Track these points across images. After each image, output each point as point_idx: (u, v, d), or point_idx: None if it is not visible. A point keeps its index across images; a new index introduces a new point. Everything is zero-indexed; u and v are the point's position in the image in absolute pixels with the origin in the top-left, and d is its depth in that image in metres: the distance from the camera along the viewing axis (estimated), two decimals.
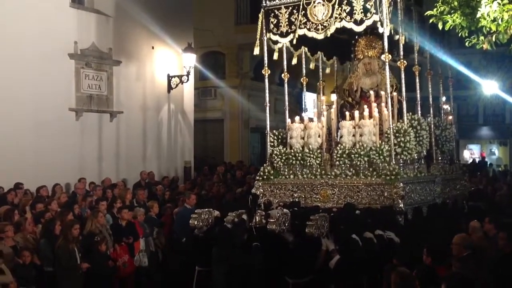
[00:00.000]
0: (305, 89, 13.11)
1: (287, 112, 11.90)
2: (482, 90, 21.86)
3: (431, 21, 9.29)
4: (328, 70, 13.55)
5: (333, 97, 20.34)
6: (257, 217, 8.83)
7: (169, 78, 17.58)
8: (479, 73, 21.18)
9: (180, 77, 17.50)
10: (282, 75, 11.89)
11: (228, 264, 8.42)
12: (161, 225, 11.74)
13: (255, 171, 16.92)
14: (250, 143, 24.85)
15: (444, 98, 13.61)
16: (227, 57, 24.44)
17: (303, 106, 13.57)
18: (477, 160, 28.00)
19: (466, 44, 8.85)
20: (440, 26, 9.01)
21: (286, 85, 11.96)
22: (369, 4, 10.17)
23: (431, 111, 12.21)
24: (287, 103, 12.01)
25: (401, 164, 10.41)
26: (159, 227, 11.56)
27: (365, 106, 11.16)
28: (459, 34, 8.95)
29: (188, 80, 17.61)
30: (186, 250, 10.55)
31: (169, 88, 17.60)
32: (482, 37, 8.30)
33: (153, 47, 17.19)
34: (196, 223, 9.23)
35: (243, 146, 24.31)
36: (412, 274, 5.94)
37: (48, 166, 13.43)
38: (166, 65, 17.55)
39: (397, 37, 10.73)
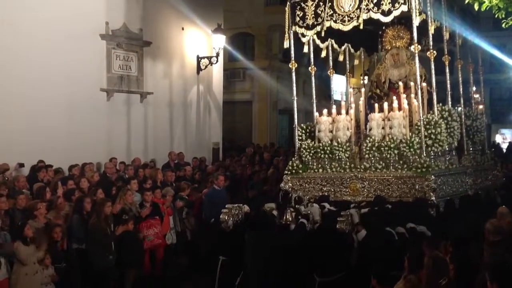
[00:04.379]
0: (332, 80, 12.92)
1: (314, 105, 11.76)
2: None
3: (466, 2, 9.11)
4: (356, 62, 13.38)
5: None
6: (287, 215, 8.75)
7: (199, 59, 17.64)
8: None
9: (209, 58, 17.55)
10: (309, 68, 11.76)
11: (266, 247, 8.10)
12: (191, 205, 11.88)
13: (284, 153, 16.96)
14: (279, 125, 24.83)
15: (474, 88, 13.29)
16: (256, 38, 24.39)
17: (331, 94, 13.30)
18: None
19: (503, 25, 8.67)
20: (476, 7, 8.83)
21: (313, 78, 11.82)
22: None
23: (462, 101, 11.98)
24: (314, 96, 11.85)
25: (432, 156, 10.21)
26: (188, 208, 11.72)
27: (394, 98, 11.00)
28: (495, 16, 8.76)
29: (217, 61, 17.67)
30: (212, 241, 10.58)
31: (198, 69, 17.68)
32: None
33: (183, 28, 17.28)
34: (226, 218, 9.11)
35: (271, 128, 24.36)
36: (445, 259, 5.88)
37: (79, 146, 13.65)
38: (195, 46, 17.61)
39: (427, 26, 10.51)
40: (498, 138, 29.31)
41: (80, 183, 11.14)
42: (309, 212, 8.78)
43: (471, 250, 6.73)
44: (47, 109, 13.25)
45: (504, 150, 22.25)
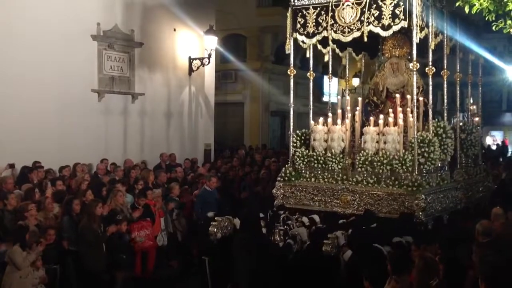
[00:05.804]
0: (329, 84, 12.86)
1: (311, 112, 11.66)
2: (506, 75, 21.55)
3: (457, 4, 9.07)
4: (358, 64, 13.31)
5: (356, 81, 20.07)
6: (276, 235, 8.76)
7: (190, 60, 17.62)
8: (504, 58, 20.84)
9: (201, 59, 17.52)
10: (308, 74, 11.66)
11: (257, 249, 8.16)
12: (181, 206, 11.91)
13: (274, 154, 16.98)
14: (270, 126, 24.83)
15: (471, 100, 13.25)
16: (248, 40, 24.28)
17: (328, 99, 13.22)
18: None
19: (493, 28, 8.65)
20: (466, 10, 8.80)
21: (311, 84, 11.70)
22: (398, 10, 9.83)
23: (457, 114, 11.95)
24: (311, 103, 11.76)
25: (424, 174, 10.17)
26: (178, 209, 11.75)
27: (390, 110, 10.97)
28: (486, 18, 8.75)
29: (209, 62, 17.65)
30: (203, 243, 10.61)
31: (190, 70, 17.65)
32: (509, 21, 8.16)
33: (175, 29, 17.23)
34: (215, 230, 9.16)
35: (263, 130, 24.38)
36: (436, 260, 5.94)
37: (71, 147, 13.67)
38: (187, 47, 17.56)
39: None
40: (488, 140, 29.49)
41: (81, 184, 11.20)
42: (296, 233, 8.81)
43: (461, 251, 6.81)
44: (40, 109, 13.18)
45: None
